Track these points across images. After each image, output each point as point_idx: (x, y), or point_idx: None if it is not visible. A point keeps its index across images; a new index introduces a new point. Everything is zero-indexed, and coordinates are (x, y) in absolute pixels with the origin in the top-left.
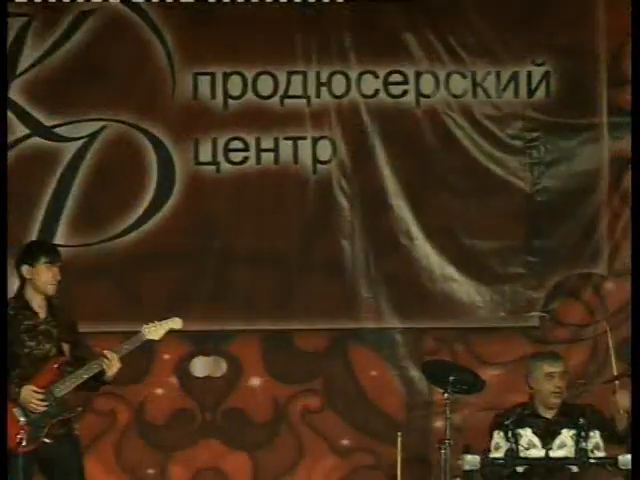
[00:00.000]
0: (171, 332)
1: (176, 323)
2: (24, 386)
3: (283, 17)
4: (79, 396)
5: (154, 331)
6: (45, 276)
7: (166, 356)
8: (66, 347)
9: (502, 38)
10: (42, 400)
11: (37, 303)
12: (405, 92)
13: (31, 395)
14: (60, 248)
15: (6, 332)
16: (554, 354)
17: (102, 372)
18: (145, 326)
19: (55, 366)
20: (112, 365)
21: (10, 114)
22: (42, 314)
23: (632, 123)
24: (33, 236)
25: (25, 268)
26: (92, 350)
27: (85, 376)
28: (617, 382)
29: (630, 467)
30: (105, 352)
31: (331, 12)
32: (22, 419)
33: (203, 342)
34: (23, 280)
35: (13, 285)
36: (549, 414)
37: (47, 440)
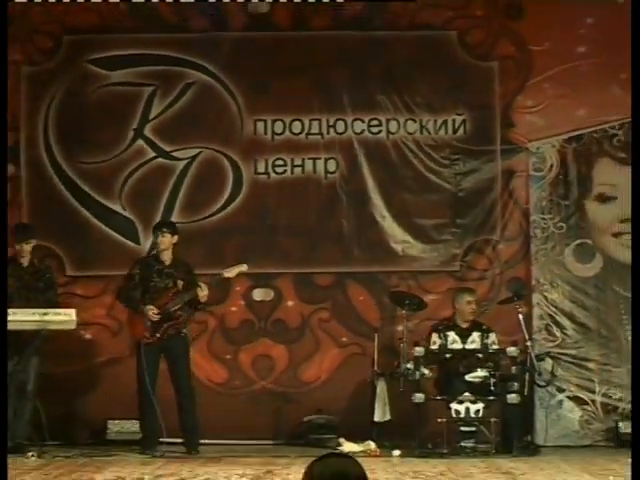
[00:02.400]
0: (240, 273)
1: (243, 267)
2: (147, 305)
3: (306, 86)
4: (186, 311)
5: (229, 272)
6: (167, 241)
7: (237, 288)
8: (180, 282)
9: (438, 98)
10: (157, 314)
11: (164, 255)
12: (380, 131)
13: (151, 310)
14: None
15: (6, 330)
16: (470, 289)
17: (197, 297)
18: (224, 270)
19: (170, 294)
20: (203, 292)
21: (143, 143)
22: (167, 262)
23: (632, 123)
24: (159, 217)
25: (155, 235)
26: (195, 283)
27: (186, 298)
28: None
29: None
30: (200, 284)
31: (335, 81)
32: (148, 322)
33: (259, 279)
34: (156, 243)
35: (148, 244)
36: (465, 325)
37: (165, 335)
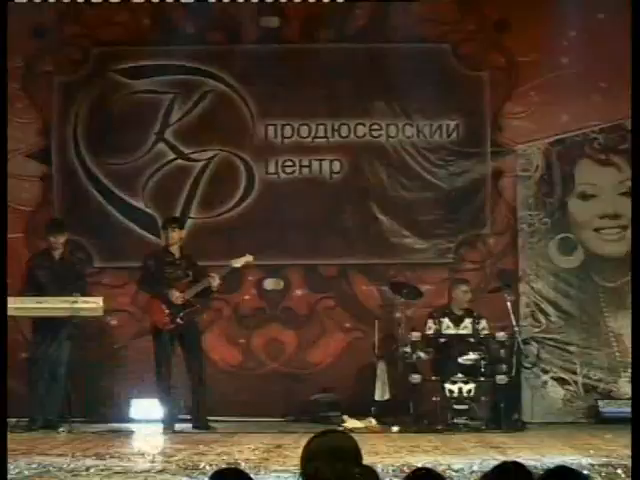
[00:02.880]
0: (251, 264)
1: (248, 258)
2: (171, 290)
3: (313, 93)
4: (200, 301)
5: (236, 262)
6: (176, 235)
7: (250, 278)
8: (190, 273)
9: (433, 105)
10: (179, 298)
11: (174, 249)
12: (380, 135)
13: (175, 294)
14: (192, 219)
15: (7, 334)
16: (466, 280)
17: (210, 286)
18: (232, 260)
19: (183, 284)
20: (215, 281)
21: (164, 146)
22: (177, 255)
23: (632, 123)
24: (178, 214)
25: (165, 229)
26: (205, 274)
27: (200, 288)
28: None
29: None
30: (211, 274)
31: (339, 90)
32: (167, 310)
33: (270, 270)
34: (166, 237)
35: (162, 239)
36: (459, 312)
37: (181, 322)
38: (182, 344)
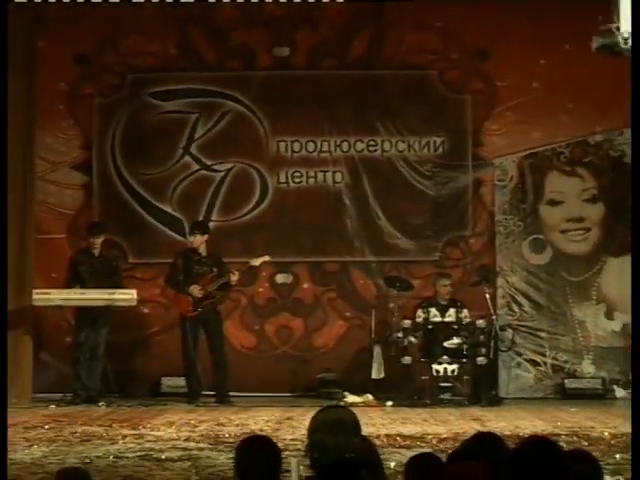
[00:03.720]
0: (264, 262)
1: (265, 258)
2: (192, 285)
3: (318, 114)
4: (220, 292)
5: (255, 262)
6: (197, 239)
7: (263, 273)
8: (215, 269)
9: (422, 124)
10: (200, 291)
11: (201, 249)
12: (376, 150)
13: (196, 289)
14: (213, 222)
15: (6, 332)
16: (447, 274)
17: (230, 281)
18: (252, 260)
19: (208, 277)
20: (234, 277)
21: (189, 158)
22: (203, 254)
23: (632, 123)
24: (202, 217)
25: (194, 234)
26: (227, 269)
27: (221, 282)
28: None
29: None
30: (232, 271)
31: (341, 110)
32: (191, 301)
33: (281, 267)
34: (192, 240)
35: (190, 241)
36: (444, 302)
37: (202, 310)
38: (206, 330)
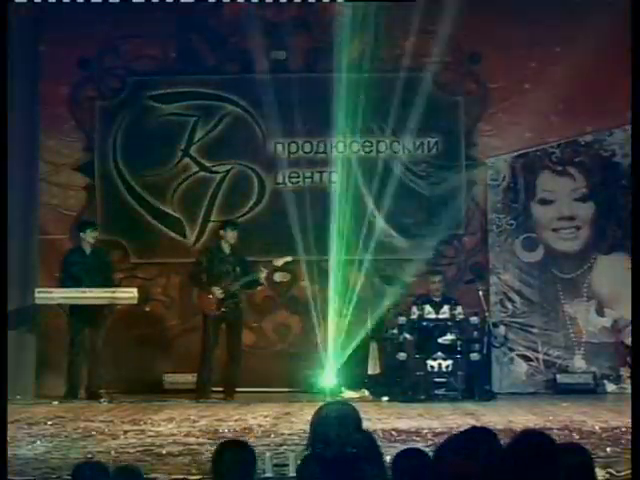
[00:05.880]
0: (285, 262)
1: (287, 258)
2: (213, 286)
3: (314, 115)
4: (242, 292)
5: (278, 262)
6: (230, 234)
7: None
8: (237, 268)
9: (417, 125)
10: (222, 292)
11: (225, 247)
12: (371, 150)
13: (217, 290)
14: (212, 222)
15: (7, 333)
16: (439, 271)
17: (259, 278)
18: (274, 260)
19: (231, 277)
20: (262, 274)
21: (189, 160)
22: (227, 251)
23: (632, 123)
24: (201, 218)
25: (225, 230)
26: (254, 268)
27: (247, 279)
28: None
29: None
30: (260, 268)
31: (337, 112)
32: (213, 301)
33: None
34: (219, 236)
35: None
36: (437, 299)
37: (225, 310)
38: (226, 328)
